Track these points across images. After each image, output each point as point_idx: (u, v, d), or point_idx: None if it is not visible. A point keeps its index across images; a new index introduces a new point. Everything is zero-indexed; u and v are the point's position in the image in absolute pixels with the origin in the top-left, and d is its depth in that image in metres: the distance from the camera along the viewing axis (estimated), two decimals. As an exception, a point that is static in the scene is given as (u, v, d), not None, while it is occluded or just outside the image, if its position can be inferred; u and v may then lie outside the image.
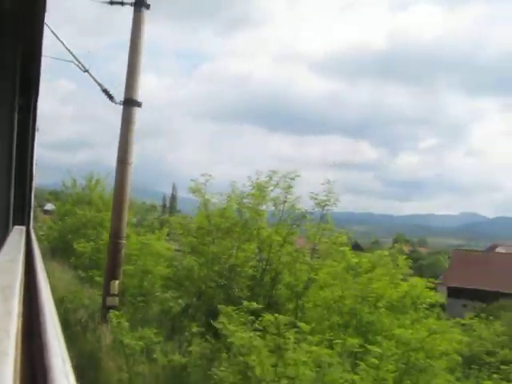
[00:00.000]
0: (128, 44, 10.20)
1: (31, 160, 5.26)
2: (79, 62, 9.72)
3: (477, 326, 14.81)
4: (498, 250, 77.81)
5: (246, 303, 6.58)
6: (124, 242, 10.11)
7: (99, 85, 9.67)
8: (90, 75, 9.63)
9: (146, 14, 10.25)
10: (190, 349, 6.70)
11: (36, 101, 4.67)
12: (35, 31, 3.08)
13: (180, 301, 10.20)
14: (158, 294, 10.73)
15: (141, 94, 10.06)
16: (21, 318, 1.48)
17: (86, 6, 10.92)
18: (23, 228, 4.49)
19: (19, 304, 1.50)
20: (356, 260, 9.30)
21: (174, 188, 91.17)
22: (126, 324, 7.29)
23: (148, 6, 10.12)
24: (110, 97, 9.73)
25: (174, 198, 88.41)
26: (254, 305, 6.61)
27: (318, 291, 8.69)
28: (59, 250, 18.57)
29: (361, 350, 6.34)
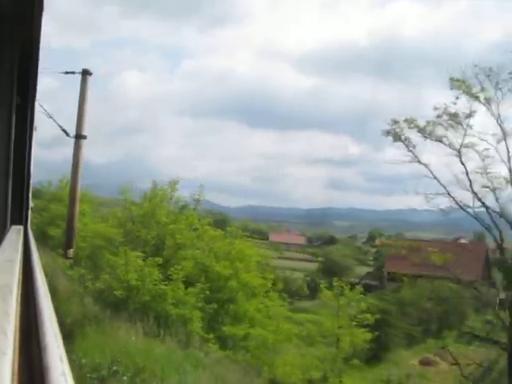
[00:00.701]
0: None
1: (29, 160, 5.32)
2: (45, 110, 15.27)
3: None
4: (461, 241, 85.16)
5: (134, 253, 12.37)
6: (76, 224, 15.77)
7: (59, 126, 15.25)
8: (54, 120, 15.18)
9: (90, 78, 15.93)
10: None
11: (34, 100, 4.76)
12: (33, 31, 3.15)
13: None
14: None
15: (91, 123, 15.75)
16: (18, 318, 1.49)
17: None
18: (21, 227, 4.57)
19: (17, 303, 1.52)
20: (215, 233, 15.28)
21: (153, 185, 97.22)
22: (68, 264, 12.99)
23: (91, 74, 15.78)
24: (67, 133, 15.36)
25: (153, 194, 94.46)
26: (139, 253, 12.39)
27: (187, 250, 14.58)
28: (38, 238, 23.98)
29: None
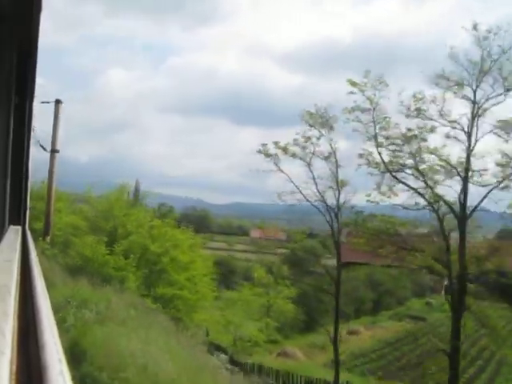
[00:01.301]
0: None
1: (27, 160, 5.34)
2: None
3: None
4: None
5: (88, 236, 17.21)
6: (52, 218, 20.63)
7: (37, 142, 20.01)
8: (33, 137, 19.96)
9: (62, 106, 20.75)
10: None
11: (32, 100, 4.82)
12: (31, 31, 3.17)
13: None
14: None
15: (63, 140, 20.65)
16: (17, 318, 1.51)
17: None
18: (19, 228, 4.61)
19: (15, 303, 1.55)
20: (155, 223, 20.25)
21: (136, 183, 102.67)
22: (46, 247, 17.92)
23: (62, 102, 20.60)
24: (44, 148, 20.16)
25: (137, 191, 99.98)
26: (92, 236, 17.27)
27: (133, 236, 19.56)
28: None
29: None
